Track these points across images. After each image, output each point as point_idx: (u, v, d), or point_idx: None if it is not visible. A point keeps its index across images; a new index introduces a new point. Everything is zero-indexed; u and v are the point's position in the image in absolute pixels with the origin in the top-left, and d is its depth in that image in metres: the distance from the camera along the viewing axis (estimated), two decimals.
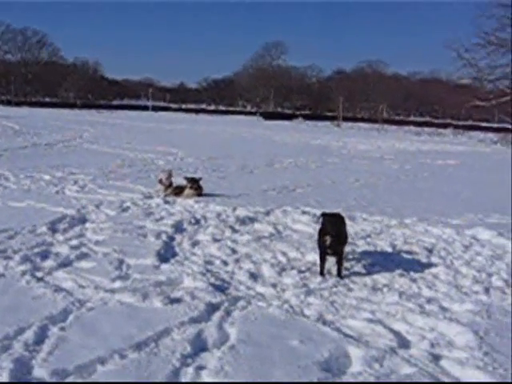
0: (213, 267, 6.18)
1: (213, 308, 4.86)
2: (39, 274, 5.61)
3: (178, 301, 4.95)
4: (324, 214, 6.34)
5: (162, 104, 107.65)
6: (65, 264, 5.96)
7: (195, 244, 7.09)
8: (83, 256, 6.28)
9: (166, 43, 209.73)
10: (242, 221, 8.57)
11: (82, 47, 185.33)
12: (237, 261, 6.47)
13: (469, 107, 45.19)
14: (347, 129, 65.35)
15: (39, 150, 19.58)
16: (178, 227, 7.96)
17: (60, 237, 7.13)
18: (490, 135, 61.97)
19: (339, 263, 6.13)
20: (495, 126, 77.24)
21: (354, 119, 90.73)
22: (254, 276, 5.94)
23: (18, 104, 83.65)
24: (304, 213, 9.48)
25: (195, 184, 10.79)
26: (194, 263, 6.25)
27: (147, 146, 22.80)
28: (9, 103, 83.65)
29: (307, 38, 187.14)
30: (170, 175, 11.10)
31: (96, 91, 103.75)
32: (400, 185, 15.06)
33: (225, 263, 6.36)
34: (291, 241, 7.54)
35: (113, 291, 5.14)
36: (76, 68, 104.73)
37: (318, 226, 8.43)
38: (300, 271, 6.20)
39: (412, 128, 76.52)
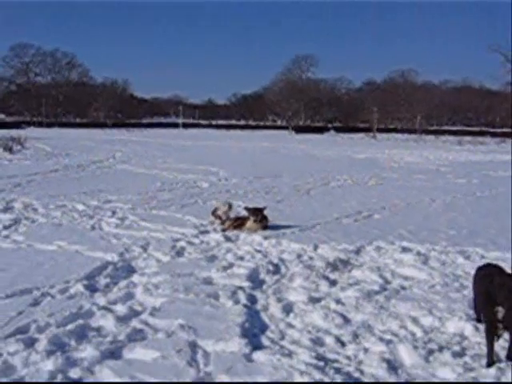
0: (326, 351, 4.21)
1: None
2: (75, 375, 3.74)
3: None
4: (482, 269, 4.33)
5: (191, 121, 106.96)
6: (112, 353, 4.07)
7: (288, 309, 5.10)
8: (137, 336, 4.38)
9: (194, 60, 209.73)
10: (334, 265, 6.57)
11: (110, 67, 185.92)
12: (355, 336, 4.49)
13: None
14: (384, 140, 63.11)
15: (71, 173, 18.04)
16: (255, 279, 6.00)
17: (101, 299, 5.26)
18: None
19: None
20: None
21: (387, 130, 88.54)
22: (392, 366, 3.96)
23: (49, 125, 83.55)
24: (404, 250, 7.46)
25: (259, 215, 8.81)
26: (296, 345, 4.29)
27: (184, 165, 21.12)
28: (40, 125, 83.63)
29: (336, 50, 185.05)
30: (229, 208, 9.16)
31: (126, 110, 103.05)
32: (485, 204, 12.87)
33: (341, 342, 4.38)
34: (413, 297, 5.51)
35: None
36: (105, 88, 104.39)
37: (436, 275, 6.39)
38: (454, 354, 4.19)
39: (449, 137, 73.90)
